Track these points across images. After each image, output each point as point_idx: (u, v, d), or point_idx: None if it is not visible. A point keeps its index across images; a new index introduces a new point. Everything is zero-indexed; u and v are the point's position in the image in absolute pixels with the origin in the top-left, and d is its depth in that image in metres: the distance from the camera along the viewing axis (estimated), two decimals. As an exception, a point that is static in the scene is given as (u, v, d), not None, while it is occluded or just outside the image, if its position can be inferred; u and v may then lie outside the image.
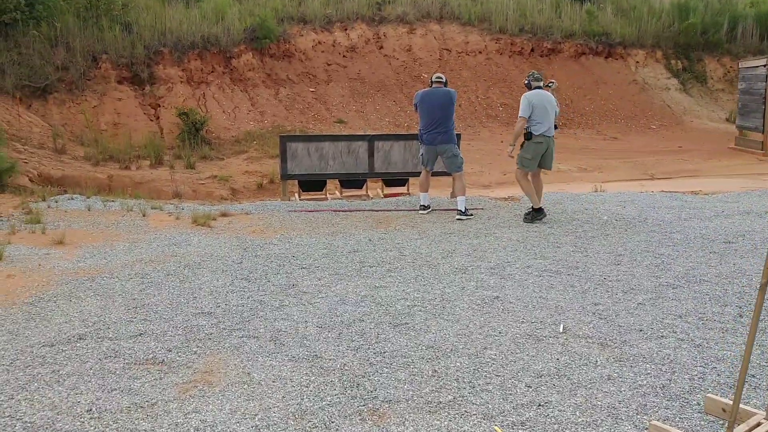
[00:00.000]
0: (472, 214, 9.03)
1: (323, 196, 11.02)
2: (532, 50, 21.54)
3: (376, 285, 6.14)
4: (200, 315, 5.35)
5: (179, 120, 15.74)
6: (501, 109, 19.62)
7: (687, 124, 20.13)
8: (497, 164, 14.18)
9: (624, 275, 6.40)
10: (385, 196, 11.02)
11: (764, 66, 14.69)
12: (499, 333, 5.00)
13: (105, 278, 6.28)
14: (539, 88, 8.81)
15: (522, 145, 8.76)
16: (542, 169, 8.95)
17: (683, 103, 21.25)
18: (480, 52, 21.19)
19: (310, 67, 19.42)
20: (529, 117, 8.57)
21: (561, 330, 5.04)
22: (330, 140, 10.18)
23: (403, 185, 11.18)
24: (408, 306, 5.57)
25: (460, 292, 5.94)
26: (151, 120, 16.27)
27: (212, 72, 17.91)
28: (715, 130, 19.37)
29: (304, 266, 6.73)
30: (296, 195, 10.64)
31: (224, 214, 9.00)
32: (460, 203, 8.97)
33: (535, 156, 8.64)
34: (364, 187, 10.95)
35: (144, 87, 16.79)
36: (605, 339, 4.89)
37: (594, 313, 5.39)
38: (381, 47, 20.54)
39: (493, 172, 13.76)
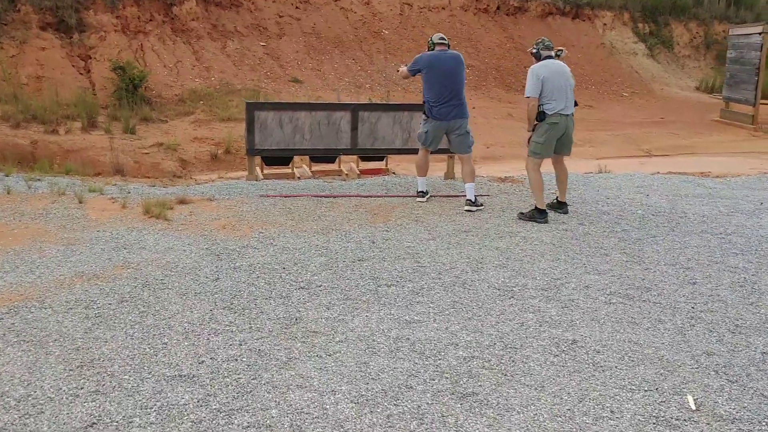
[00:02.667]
0: (482, 204, 7.49)
1: (290, 171, 9.29)
2: (498, 8, 19.96)
3: (407, 319, 4.56)
4: (177, 380, 3.67)
5: (114, 75, 13.59)
6: (468, 71, 17.99)
7: (657, 92, 19.01)
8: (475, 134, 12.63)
9: (713, 302, 5.00)
10: (362, 172, 9.38)
11: (759, 34, 13.54)
12: (611, 412, 3.51)
13: (32, 309, 4.49)
14: (549, 57, 7.20)
15: (534, 129, 7.19)
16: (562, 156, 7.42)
17: (651, 70, 20.13)
18: (443, 8, 19.46)
19: (261, 18, 17.33)
20: (540, 94, 6.98)
21: (693, 406, 3.58)
22: (306, 109, 8.41)
23: (381, 160, 9.55)
24: (464, 358, 4.03)
25: (521, 331, 4.43)
26: (81, 74, 14.04)
27: (151, 20, 15.67)
28: (687, 100, 18.33)
29: (302, 285, 5.08)
30: (258, 170, 8.86)
31: (182, 201, 7.19)
32: (470, 191, 7.41)
33: (550, 140, 7.07)
34: (337, 161, 9.26)
35: (72, 35, 14.47)
36: (759, 422, 3.46)
37: (716, 372, 3.97)
38: (337, -1, 18.58)
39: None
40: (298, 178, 9.12)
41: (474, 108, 15.15)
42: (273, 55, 16.60)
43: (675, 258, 5.97)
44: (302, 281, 5.16)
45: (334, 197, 7.76)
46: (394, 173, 9.46)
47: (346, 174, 9.30)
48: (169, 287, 4.93)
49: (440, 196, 8.00)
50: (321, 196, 7.75)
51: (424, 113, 7.52)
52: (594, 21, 20.77)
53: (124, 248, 5.73)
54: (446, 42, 7.44)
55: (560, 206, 7.36)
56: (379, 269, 5.46)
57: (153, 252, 5.67)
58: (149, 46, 15.28)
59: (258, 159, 8.72)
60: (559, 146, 7.22)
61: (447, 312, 4.69)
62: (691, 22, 21.65)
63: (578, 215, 7.29)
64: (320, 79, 16.36)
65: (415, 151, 8.63)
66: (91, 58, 14.29)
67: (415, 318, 4.57)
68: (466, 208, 7.35)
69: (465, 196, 7.67)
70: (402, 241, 6.24)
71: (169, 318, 4.42)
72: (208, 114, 13.34)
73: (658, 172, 10.02)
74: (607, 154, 11.67)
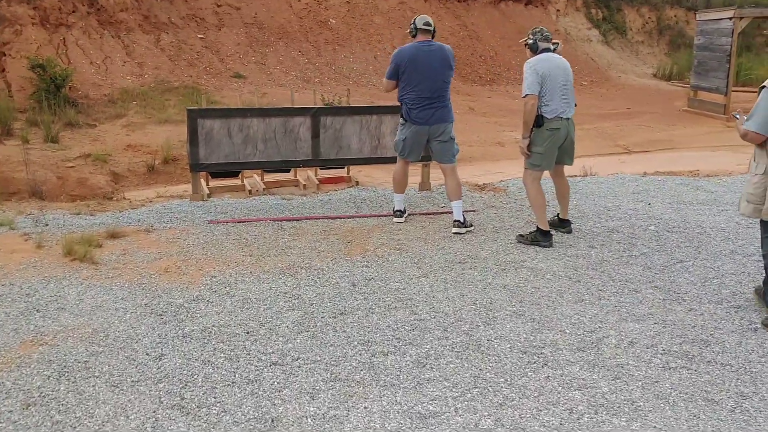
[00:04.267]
0: (471, 225, 6.35)
1: (239, 183, 8.00)
2: (449, -6, 18.82)
3: (419, 410, 3.40)
4: None
5: (33, 74, 11.94)
6: (421, 61, 16.84)
7: (615, 79, 18.23)
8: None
9: (790, 359, 3.98)
10: (321, 182, 8.14)
11: (729, 19, 12.75)
12: None
13: None
14: (548, 50, 6.07)
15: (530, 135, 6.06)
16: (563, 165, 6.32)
17: (606, 57, 19.34)
18: (392, -5, 18.22)
19: (197, 8, 15.79)
20: (539, 93, 5.85)
21: None
22: (259, 115, 7.10)
23: (342, 167, 8.31)
24: (513, 481, 2.88)
25: (574, 421, 3.31)
26: (-5, 74, 12.34)
27: (74, 12, 13.99)
28: (646, 88, 17.58)
29: (274, 359, 3.86)
30: (203, 183, 7.52)
31: (114, 235, 5.84)
32: (457, 210, 6.26)
33: (550, 149, 5.94)
34: (293, 170, 8.00)
35: (-17, 30, 12.75)
36: None
37: None
38: (279, -14, 17.13)
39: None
40: (249, 191, 7.84)
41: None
42: (212, 49, 15.12)
43: (716, 292, 4.95)
44: (274, 352, 3.93)
45: (298, 220, 6.52)
46: (357, 182, 8.25)
47: (304, 185, 8.06)
48: (96, 374, 3.64)
49: (419, 214, 6.84)
50: (282, 220, 6.49)
51: (401, 116, 6.33)
52: (547, 7, 19.85)
53: (37, 311, 4.39)
54: (432, 28, 6.23)
55: (562, 224, 6.29)
56: (368, 327, 4.27)
57: (75, 315, 4.35)
58: (73, 41, 13.62)
59: (203, 173, 7.39)
60: (561, 155, 6.10)
61: (469, 395, 3.54)
62: (643, 6, 20.95)
63: (584, 235, 6.22)
64: (265, 74, 14.97)
65: (386, 161, 7.47)
66: (5, 55, 12.57)
67: (430, 408, 3.41)
68: (454, 230, 6.20)
69: (449, 213, 6.55)
70: (388, 280, 5.06)
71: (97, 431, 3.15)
72: (142, 116, 11.84)
73: (645, 173, 9.06)
74: (583, 152, 10.64)
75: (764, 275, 4.64)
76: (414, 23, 6.19)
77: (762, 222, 4.52)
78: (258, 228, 6.23)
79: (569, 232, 6.25)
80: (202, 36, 15.26)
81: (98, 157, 9.43)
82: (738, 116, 4.62)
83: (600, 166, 9.35)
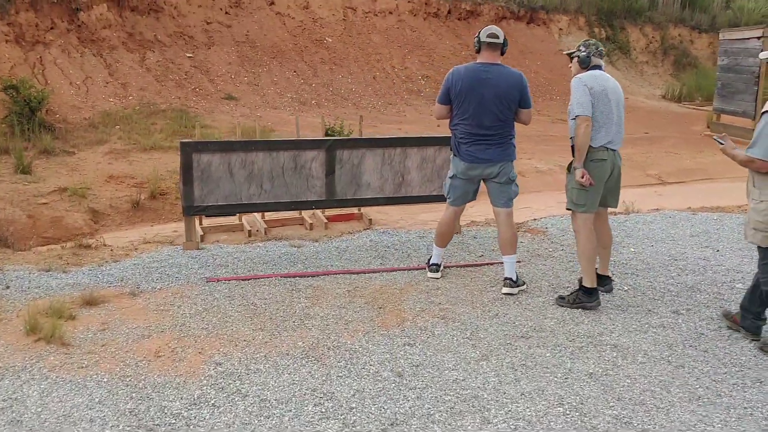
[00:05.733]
0: (524, 282, 5.24)
1: (237, 222, 6.87)
2: (449, 12, 17.83)
3: None
4: None
5: (5, 96, 10.72)
6: (423, 82, 15.83)
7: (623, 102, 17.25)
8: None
9: None
10: (329, 220, 7.02)
11: (758, 38, 11.82)
12: None
13: None
14: (599, 68, 4.99)
15: (569, 168, 4.97)
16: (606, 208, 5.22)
17: (613, 78, 18.38)
18: (390, 13, 17.19)
19: (185, 25, 14.66)
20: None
21: None
22: (264, 149, 5.96)
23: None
24: None
25: None
26: (-37, 95, 11.10)
27: (52, 28, 12.80)
28: (657, 110, 16.62)
29: None
30: (197, 225, 6.36)
31: (90, 301, 4.65)
32: (510, 266, 5.13)
33: (597, 185, 4.83)
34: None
35: (-49, 48, 11.53)
36: None
37: None
38: (272, 3, 16.03)
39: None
40: (249, 232, 6.71)
41: (439, 126, 12.98)
42: (202, 68, 13.97)
43: None
44: (310, 497, 2.77)
45: (313, 276, 5.37)
46: (370, 221, 7.13)
47: (311, 223, 6.94)
48: None
49: (455, 266, 5.72)
50: (294, 276, 5.34)
51: (451, 148, 5.23)
52: (549, 26, 18.92)
53: (-17, 428, 3.21)
54: (500, 42, 5.02)
55: (602, 282, 5.12)
56: (433, 449, 3.13)
57: (35, 433, 3.17)
58: (50, 60, 12.42)
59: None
60: (604, 194, 5.01)
61: None
62: (646, 26, 20.08)
63: (659, 295, 5.13)
64: (258, 95, 13.84)
65: (411, 201, 6.37)
66: (-25, 75, 11.35)
67: None
68: (505, 290, 5.08)
69: (490, 264, 5.46)
70: (441, 367, 3.93)
71: None
72: (126, 142, 10.65)
73: (690, 208, 8.03)
74: (614, 183, 9.64)
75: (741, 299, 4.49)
76: (478, 36, 5.07)
77: (761, 249, 4.27)
78: (267, 287, 5.08)
79: (609, 291, 5.15)
80: (190, 55, 14.11)
81: (75, 191, 8.22)
82: (722, 142, 4.49)
83: (636, 199, 8.29)
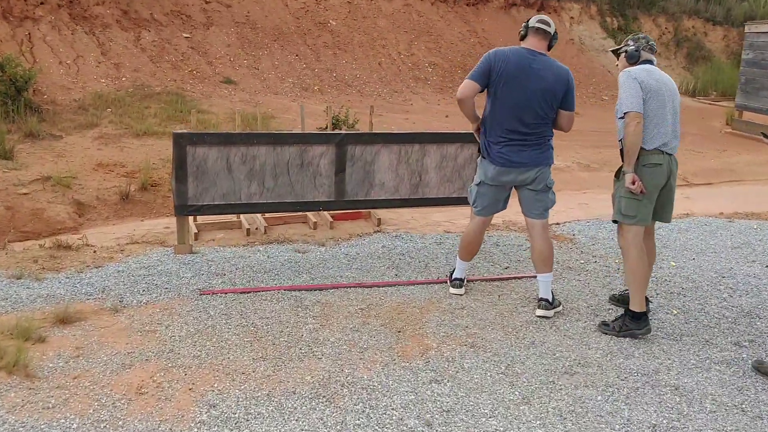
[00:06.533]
0: (560, 304, 4.59)
1: (235, 219, 6.22)
2: (458, -3, 17.09)
3: None
4: None
5: (-11, 75, 10.01)
6: (430, 70, 15.11)
7: (636, 94, 16.60)
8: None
9: None
10: (334, 218, 6.38)
11: (787, 32, 11.17)
12: None
13: None
14: (650, 62, 4.33)
15: (618, 174, 4.32)
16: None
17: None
18: (397, -3, 16.45)
19: (182, 4, 13.91)
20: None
21: None
22: (267, 142, 5.28)
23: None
24: None
25: None
26: (-55, 73, 10.37)
27: (42, 3, 12.06)
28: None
29: None
30: (190, 223, 5.70)
31: (64, 319, 3.99)
32: (545, 286, 4.48)
33: (651, 194, 4.20)
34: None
35: (-68, 21, 10.80)
36: None
37: None
38: (274, -17, 15.28)
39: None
40: (248, 230, 6.06)
41: (448, 117, 12.33)
42: (199, 50, 13.24)
43: None
44: None
45: (320, 289, 4.72)
46: (379, 221, 6.49)
47: (314, 221, 6.30)
48: None
49: (478, 280, 5.07)
50: (299, 289, 4.69)
51: (479, 149, 4.55)
52: (560, 14, 18.20)
53: None
54: (550, 31, 4.33)
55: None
56: None
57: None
58: (39, 37, 11.68)
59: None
60: (659, 205, 4.35)
61: None
62: (659, 16, 19.37)
63: (715, 321, 4.50)
64: (258, 80, 13.12)
65: (428, 203, 5.72)
66: (-42, 52, 10.62)
67: None
68: (540, 312, 4.44)
69: (518, 278, 4.84)
70: (476, 413, 3.29)
71: None
72: (117, 126, 9.95)
73: (723, 214, 7.41)
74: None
75: None
76: (526, 22, 4.39)
77: None
78: (268, 303, 4.43)
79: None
80: (188, 35, 13.37)
81: (59, 180, 7.54)
82: None
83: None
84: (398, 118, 12.00)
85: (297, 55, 14.02)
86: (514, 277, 5.13)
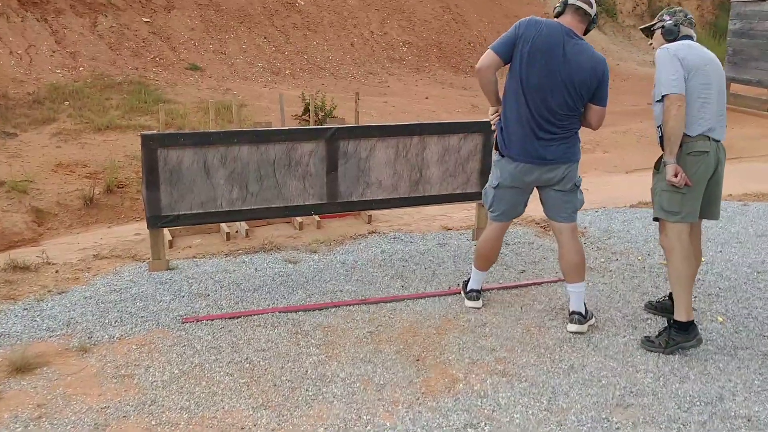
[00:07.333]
0: (592, 316, 4.04)
1: (214, 227, 5.57)
2: (429, -28, 16.39)
3: None
4: None
5: (-68, 69, 9.15)
6: (405, 49, 14.44)
7: (615, 68, 16.12)
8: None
9: None
10: (322, 217, 5.77)
11: (776, 0, 10.75)
12: None
13: None
14: (689, 38, 3.76)
15: (657, 165, 3.77)
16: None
17: (600, 43, 17.26)
18: (366, -27, 15.70)
19: (141, -14, 13.03)
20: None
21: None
22: (249, 141, 4.62)
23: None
24: None
25: None
26: None
27: (-12, -10, 11.12)
28: (652, 77, 15.54)
29: None
30: (165, 236, 5.01)
31: (21, 368, 3.32)
32: (577, 298, 3.92)
33: (697, 185, 3.64)
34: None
35: None
36: None
37: None
38: (237, -38, 14.43)
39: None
40: (227, 234, 5.44)
41: (428, 98, 11.73)
42: (162, 35, 12.40)
43: None
44: None
45: (320, 309, 4.11)
46: (370, 218, 5.90)
47: (300, 221, 5.69)
48: None
49: (495, 289, 4.50)
50: (295, 310, 4.07)
51: (495, 145, 3.94)
52: (533, -13, 17.63)
53: None
54: (591, 14, 3.69)
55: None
56: None
57: None
58: (-13, 26, 10.77)
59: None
60: (707, 199, 3.81)
61: None
62: (633, -13, 18.93)
63: (764, 326, 3.99)
64: (226, 65, 12.35)
65: (430, 201, 5.13)
66: None
67: None
68: (573, 327, 3.88)
69: (538, 284, 4.29)
70: (528, 468, 2.72)
71: None
72: (76, 120, 9.18)
73: (732, 195, 6.95)
74: (637, 164, 8.53)
75: None
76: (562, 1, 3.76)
77: None
78: (263, 330, 3.81)
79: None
80: (148, 20, 12.52)
81: (15, 185, 6.80)
82: None
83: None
84: (376, 101, 11.37)
85: (265, 38, 13.26)
86: (534, 283, 4.58)
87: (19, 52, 10.67)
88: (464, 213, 6.31)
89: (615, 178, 8.08)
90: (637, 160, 8.79)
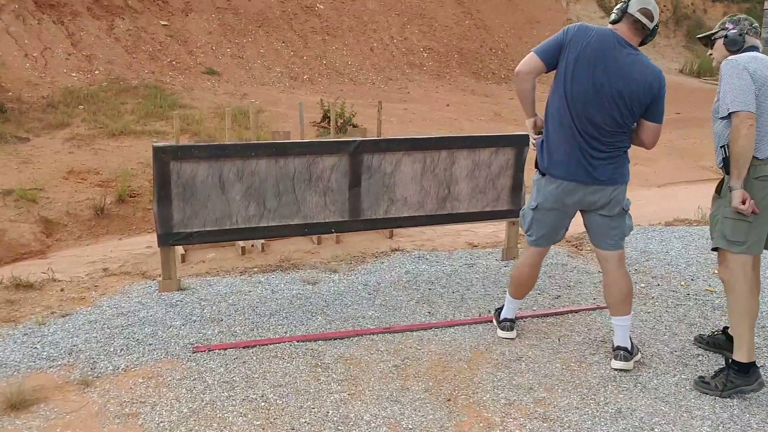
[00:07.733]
0: (639, 351, 3.68)
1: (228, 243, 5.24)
2: (451, -23, 16.08)
3: None
4: None
5: (-55, 71, 8.95)
6: (425, 55, 14.12)
7: (639, 76, 15.75)
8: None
9: None
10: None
11: (813, 9, 10.33)
12: None
13: None
14: (755, 48, 3.40)
15: (720, 189, 3.37)
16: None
17: (624, 50, 16.85)
18: (387, -23, 15.41)
19: (159, -12, 12.81)
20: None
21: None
22: (268, 154, 4.32)
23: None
24: None
25: None
26: None
27: (4, -9, 10.93)
28: (678, 86, 15.12)
29: None
30: (177, 254, 4.69)
31: (16, 405, 3.02)
32: (622, 332, 3.58)
33: (765, 214, 3.26)
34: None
35: None
36: None
37: None
38: (256, -36, 14.18)
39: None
40: (242, 248, 5.15)
41: (449, 105, 11.39)
42: (179, 38, 12.16)
43: None
44: None
45: (341, 338, 3.79)
46: (391, 231, 5.59)
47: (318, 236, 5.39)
48: None
49: (529, 317, 4.17)
50: (315, 339, 3.76)
51: (536, 163, 3.60)
52: (557, -7, 17.27)
53: None
54: (651, 27, 3.32)
55: (730, 345, 3.61)
56: None
57: None
58: (2, 27, 10.58)
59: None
60: None
61: None
62: (658, -6, 18.49)
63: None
64: (243, 69, 12.09)
65: (458, 219, 4.81)
66: None
67: None
68: (618, 364, 3.54)
69: (576, 312, 3.95)
70: None
71: None
72: (90, 125, 8.94)
73: None
74: (667, 178, 8.16)
75: None
76: (626, 2, 3.33)
77: None
78: (279, 362, 3.50)
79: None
80: (165, 23, 12.28)
81: (24, 194, 6.55)
82: None
83: (696, 200, 6.81)
84: (396, 108, 11.05)
85: (284, 42, 12.99)
86: (571, 311, 4.24)
87: (34, 54, 10.46)
88: (490, 228, 5.98)
89: (647, 193, 7.73)
90: (668, 173, 8.41)
